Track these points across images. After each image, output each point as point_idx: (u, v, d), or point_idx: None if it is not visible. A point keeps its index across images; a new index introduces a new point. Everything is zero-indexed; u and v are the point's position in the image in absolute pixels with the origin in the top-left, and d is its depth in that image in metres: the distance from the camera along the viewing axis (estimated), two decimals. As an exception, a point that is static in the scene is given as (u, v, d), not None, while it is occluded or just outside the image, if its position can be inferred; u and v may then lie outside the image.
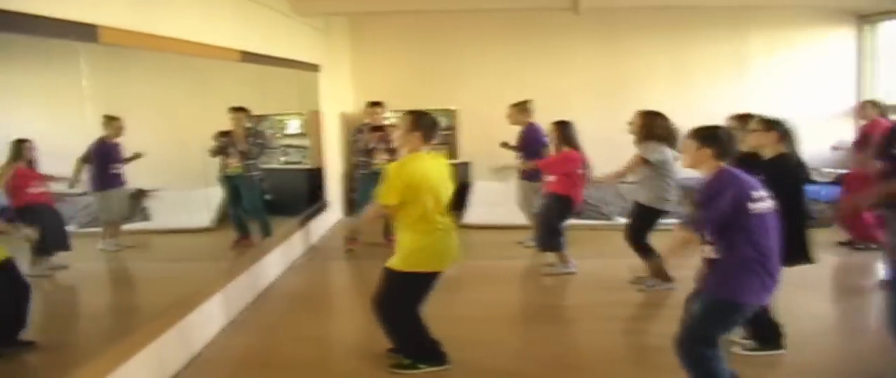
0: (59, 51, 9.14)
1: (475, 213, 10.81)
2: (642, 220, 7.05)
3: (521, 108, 8.67)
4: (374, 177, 8.65)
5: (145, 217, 9.19)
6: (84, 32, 4.81)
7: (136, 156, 8.01)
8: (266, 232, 8.28)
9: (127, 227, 8.39)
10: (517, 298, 7.35)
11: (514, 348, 5.81)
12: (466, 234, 9.38)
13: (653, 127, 6.89)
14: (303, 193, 10.03)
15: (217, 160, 8.34)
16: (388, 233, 8.67)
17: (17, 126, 7.05)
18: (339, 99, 11.30)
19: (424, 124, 4.90)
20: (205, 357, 5.67)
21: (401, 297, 5.03)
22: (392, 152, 8.23)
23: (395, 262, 4.96)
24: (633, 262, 7.32)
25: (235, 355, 5.75)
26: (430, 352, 5.17)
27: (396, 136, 5.16)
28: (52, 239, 6.94)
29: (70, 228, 8.06)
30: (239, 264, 7.10)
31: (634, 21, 11.53)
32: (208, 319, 6.06)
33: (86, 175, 7.77)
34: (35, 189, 6.76)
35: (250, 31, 7.85)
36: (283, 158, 10.21)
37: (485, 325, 6.29)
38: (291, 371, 5.41)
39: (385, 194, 4.78)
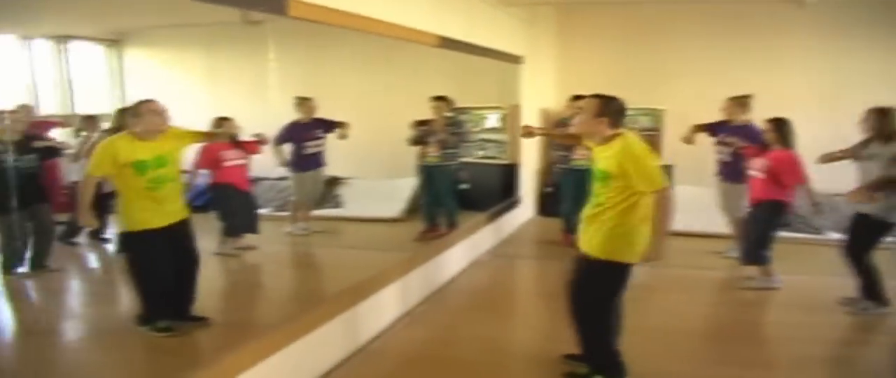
0: (258, 36, 9.44)
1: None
2: (868, 234, 6.10)
3: (740, 101, 7.80)
4: (572, 173, 8.16)
5: (337, 204, 9.27)
6: (273, 3, 4.70)
7: (321, 138, 8.04)
8: (453, 223, 8.01)
9: (318, 212, 8.47)
10: (710, 311, 6.60)
11: (701, 366, 5.12)
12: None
13: (890, 124, 5.95)
14: (495, 189, 9.71)
15: (413, 150, 8.14)
16: (569, 230, 8.12)
17: (221, 108, 7.24)
18: (540, 93, 10.86)
19: (612, 109, 4.35)
20: (374, 347, 5.44)
21: (600, 290, 4.48)
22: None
23: (596, 248, 4.39)
24: (844, 282, 6.36)
25: (405, 348, 5.48)
26: (612, 362, 4.60)
27: (577, 121, 4.59)
28: (241, 221, 7.06)
29: (264, 211, 8.23)
30: (420, 255, 6.85)
31: (867, 14, 10.19)
32: (383, 309, 5.84)
33: (282, 159, 7.89)
34: (233, 163, 6.88)
35: (450, 16, 7.61)
36: (479, 152, 9.94)
37: (672, 337, 5.65)
38: (459, 371, 5.06)
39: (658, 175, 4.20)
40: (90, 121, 7.50)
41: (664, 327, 5.86)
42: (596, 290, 4.51)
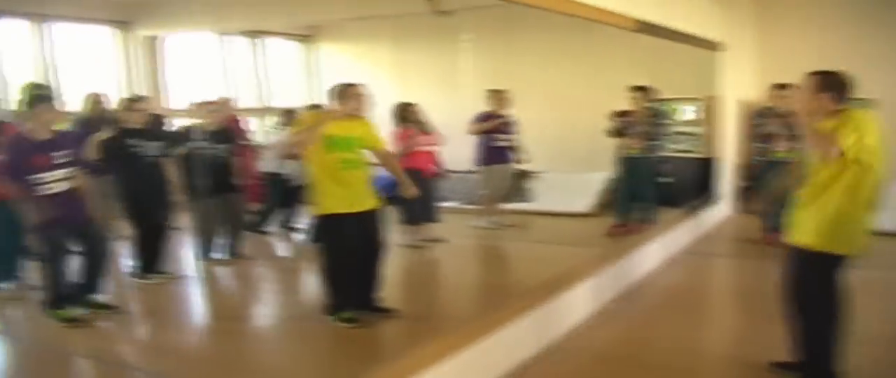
0: (446, 27, 9.48)
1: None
2: None
3: None
4: (773, 166, 7.64)
5: (527, 198, 9.17)
6: None
7: (508, 133, 7.94)
8: (651, 219, 7.70)
9: (507, 206, 8.41)
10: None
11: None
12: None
13: None
14: (692, 184, 9.24)
15: (605, 143, 7.88)
16: (772, 228, 7.56)
17: (413, 96, 7.32)
18: (739, 82, 10.24)
19: (834, 83, 3.93)
20: (565, 345, 5.24)
21: (820, 285, 4.09)
22: (794, 140, 7.15)
23: (809, 238, 4.02)
24: None
25: (597, 347, 5.25)
26: (830, 374, 4.19)
27: (797, 100, 4.21)
28: (420, 210, 7.09)
29: (452, 204, 8.28)
30: (614, 251, 6.60)
31: None
32: (575, 306, 5.64)
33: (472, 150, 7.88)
34: (422, 149, 6.95)
35: (648, -1, 7.29)
36: (673, 146, 9.51)
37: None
38: (652, 373, 4.79)
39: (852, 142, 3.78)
40: (286, 114, 7.82)
41: (886, 336, 5.31)
42: (816, 288, 4.13)
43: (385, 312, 4.92)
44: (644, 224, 7.66)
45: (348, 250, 4.80)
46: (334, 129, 4.72)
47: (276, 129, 7.85)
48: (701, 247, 8.39)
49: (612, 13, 6.47)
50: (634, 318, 5.92)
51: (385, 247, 4.99)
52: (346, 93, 4.81)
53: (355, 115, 4.82)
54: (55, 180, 4.78)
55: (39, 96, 5.18)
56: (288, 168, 7.53)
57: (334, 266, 4.84)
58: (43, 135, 4.80)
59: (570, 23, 9.14)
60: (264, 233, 7.80)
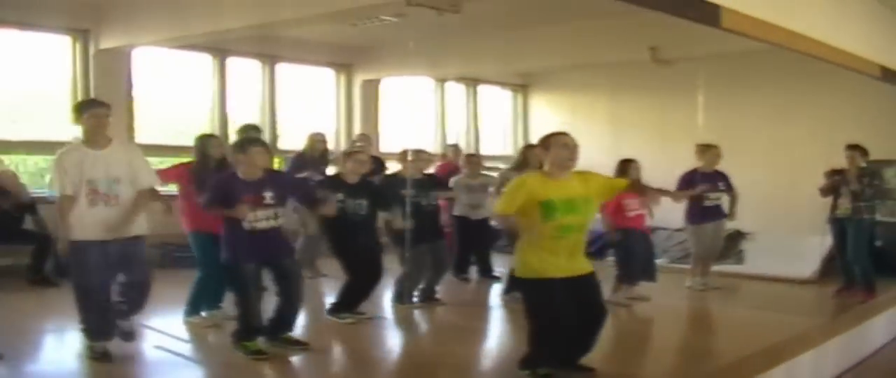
0: (666, 77, 9.18)
1: None
2: None
3: None
4: None
5: (739, 259, 8.65)
6: (706, 12, 4.42)
7: (723, 191, 7.53)
8: (869, 286, 7.05)
9: (718, 268, 7.94)
10: None
11: None
12: None
13: None
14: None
15: (827, 201, 7.32)
16: None
17: (622, 151, 7.13)
18: None
19: None
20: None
21: None
22: None
23: None
24: None
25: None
26: None
27: None
28: (640, 266, 6.82)
29: (659, 261, 7.91)
30: (839, 321, 6.05)
31: None
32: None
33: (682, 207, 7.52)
34: (633, 211, 6.70)
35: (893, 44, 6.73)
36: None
37: None
38: None
39: None
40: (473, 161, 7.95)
41: None
42: None
43: (585, 371, 4.63)
44: (868, 293, 6.98)
45: (558, 314, 4.38)
46: (550, 192, 4.30)
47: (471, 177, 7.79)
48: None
49: (852, 56, 6.00)
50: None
51: (604, 312, 4.57)
52: (553, 142, 4.39)
53: (563, 168, 4.38)
54: (261, 219, 4.88)
55: (252, 139, 5.45)
56: (480, 214, 7.54)
57: (540, 327, 4.49)
58: (254, 175, 4.95)
59: (797, 75, 8.67)
60: (466, 279, 7.82)
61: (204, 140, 5.87)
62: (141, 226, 4.74)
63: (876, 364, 6.16)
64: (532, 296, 4.49)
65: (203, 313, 5.72)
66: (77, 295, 4.65)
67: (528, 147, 6.85)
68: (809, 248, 8.19)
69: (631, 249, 6.70)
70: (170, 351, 5.06)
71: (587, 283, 4.47)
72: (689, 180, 7.38)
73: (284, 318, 5.12)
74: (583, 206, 4.35)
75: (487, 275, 7.88)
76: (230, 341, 4.99)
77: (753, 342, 5.29)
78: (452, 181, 7.67)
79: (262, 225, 4.89)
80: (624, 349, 5.64)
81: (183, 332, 5.54)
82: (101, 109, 4.65)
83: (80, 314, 4.68)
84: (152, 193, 4.90)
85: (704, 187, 7.31)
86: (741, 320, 6.64)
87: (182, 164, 5.88)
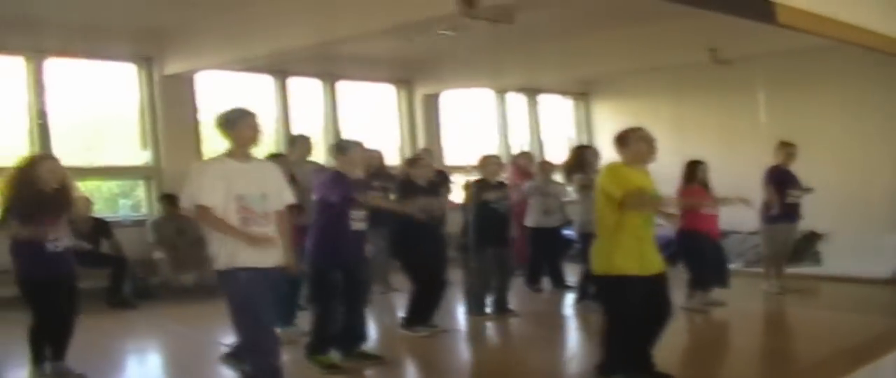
0: (729, 77, 9.06)
1: None
2: None
3: None
4: None
5: (816, 261, 8.43)
6: (762, 10, 4.39)
7: (808, 190, 7.34)
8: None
9: (794, 270, 7.75)
10: None
11: None
12: None
13: None
14: None
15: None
16: None
17: (689, 154, 7.02)
18: None
19: None
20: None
21: None
22: None
23: None
24: None
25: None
26: None
27: None
28: (712, 272, 6.68)
29: (733, 265, 7.75)
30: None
31: None
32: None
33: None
34: (708, 211, 6.57)
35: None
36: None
37: None
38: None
39: None
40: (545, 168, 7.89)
41: None
42: None
43: (662, 377, 4.56)
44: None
45: (638, 314, 4.39)
46: (643, 179, 4.36)
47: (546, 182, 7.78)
48: None
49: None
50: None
51: (672, 312, 4.58)
52: (631, 137, 4.39)
53: (642, 162, 4.40)
54: (356, 220, 4.91)
55: (350, 141, 5.30)
56: (553, 221, 7.50)
57: (620, 329, 4.47)
58: (357, 173, 5.03)
59: (862, 70, 8.45)
60: (538, 290, 7.76)
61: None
62: None
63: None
64: (613, 293, 4.47)
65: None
66: None
67: (582, 148, 6.84)
68: (887, 247, 7.96)
69: (701, 254, 6.57)
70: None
71: (660, 281, 4.46)
72: (781, 178, 7.18)
73: (356, 329, 5.09)
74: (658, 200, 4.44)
75: (560, 285, 7.79)
76: (303, 355, 4.96)
77: (834, 344, 5.19)
78: (527, 186, 7.65)
79: (358, 226, 4.92)
80: (700, 355, 5.56)
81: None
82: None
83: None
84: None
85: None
86: (820, 322, 6.45)
87: None
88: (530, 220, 7.63)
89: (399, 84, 10.74)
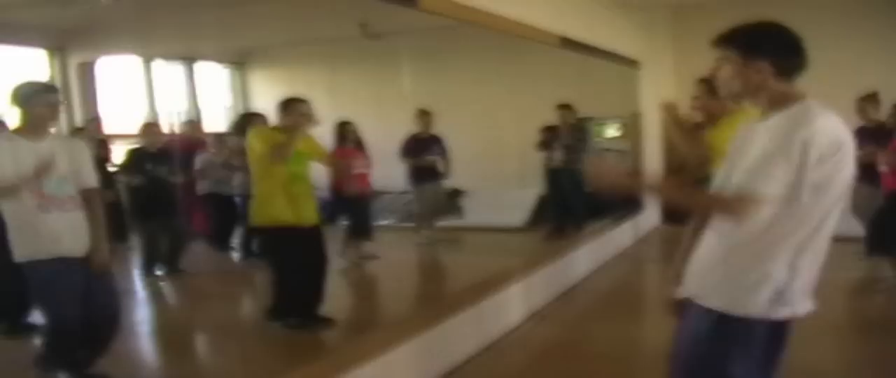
0: (378, 51, 9.61)
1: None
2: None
3: (870, 100, 7.17)
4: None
5: (460, 214, 9.29)
6: None
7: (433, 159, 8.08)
8: (579, 226, 8.01)
9: (441, 223, 8.50)
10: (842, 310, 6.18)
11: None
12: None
13: None
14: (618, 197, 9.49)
15: (536, 159, 8.21)
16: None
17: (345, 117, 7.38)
18: (659, 100, 10.59)
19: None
20: (504, 343, 5.38)
21: None
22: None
23: None
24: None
25: (536, 343, 5.42)
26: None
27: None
28: (357, 227, 7.15)
29: (387, 222, 8.35)
30: (545, 256, 6.76)
31: None
32: (510, 307, 5.76)
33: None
34: (359, 170, 6.99)
35: (571, 17, 7.57)
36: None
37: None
38: (591, 362, 4.93)
39: None
40: (219, 139, 7.81)
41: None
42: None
43: (325, 321, 4.92)
44: (576, 230, 7.89)
45: (297, 261, 4.82)
46: (278, 139, 4.73)
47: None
48: (632, 252, 8.65)
49: (537, 29, 6.70)
50: (570, 317, 6.11)
51: (328, 261, 5.06)
52: (290, 107, 4.80)
53: (298, 130, 4.79)
54: None
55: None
56: (226, 187, 7.50)
57: (283, 275, 4.86)
58: None
59: (499, 45, 9.39)
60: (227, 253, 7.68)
61: None
62: None
63: (583, 289, 7.00)
64: (272, 244, 4.93)
65: None
66: None
67: (250, 115, 6.95)
68: (519, 200, 9.04)
69: (350, 208, 7.00)
70: None
71: (313, 233, 4.95)
72: (411, 146, 7.83)
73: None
74: (305, 161, 4.91)
75: (222, 246, 7.76)
76: None
77: (470, 280, 5.76)
78: (199, 157, 7.52)
79: None
80: (358, 301, 6.03)
81: None
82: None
83: None
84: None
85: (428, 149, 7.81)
86: (464, 265, 7.21)
87: None
88: (203, 188, 7.54)
89: (51, 51, 9.95)
